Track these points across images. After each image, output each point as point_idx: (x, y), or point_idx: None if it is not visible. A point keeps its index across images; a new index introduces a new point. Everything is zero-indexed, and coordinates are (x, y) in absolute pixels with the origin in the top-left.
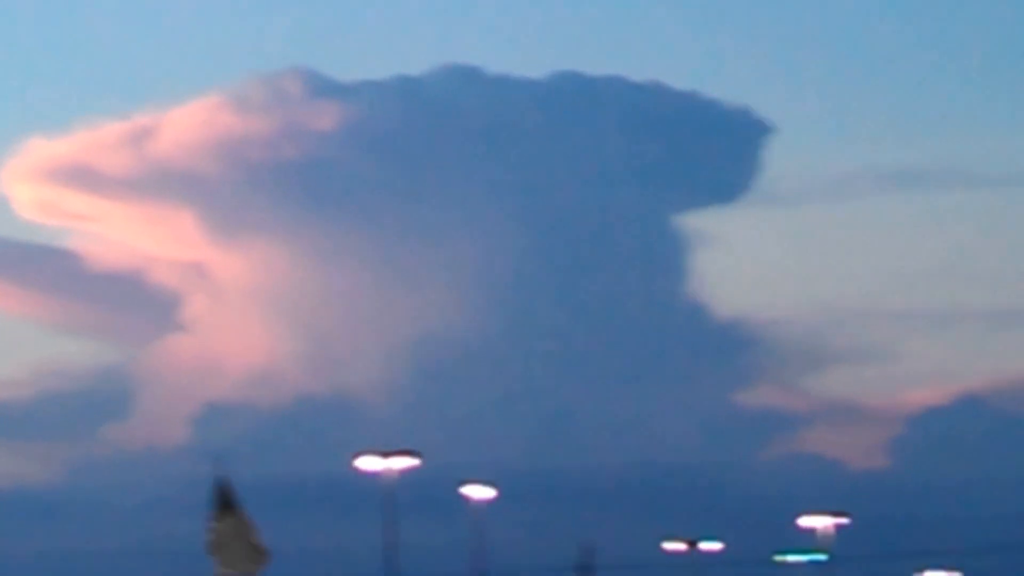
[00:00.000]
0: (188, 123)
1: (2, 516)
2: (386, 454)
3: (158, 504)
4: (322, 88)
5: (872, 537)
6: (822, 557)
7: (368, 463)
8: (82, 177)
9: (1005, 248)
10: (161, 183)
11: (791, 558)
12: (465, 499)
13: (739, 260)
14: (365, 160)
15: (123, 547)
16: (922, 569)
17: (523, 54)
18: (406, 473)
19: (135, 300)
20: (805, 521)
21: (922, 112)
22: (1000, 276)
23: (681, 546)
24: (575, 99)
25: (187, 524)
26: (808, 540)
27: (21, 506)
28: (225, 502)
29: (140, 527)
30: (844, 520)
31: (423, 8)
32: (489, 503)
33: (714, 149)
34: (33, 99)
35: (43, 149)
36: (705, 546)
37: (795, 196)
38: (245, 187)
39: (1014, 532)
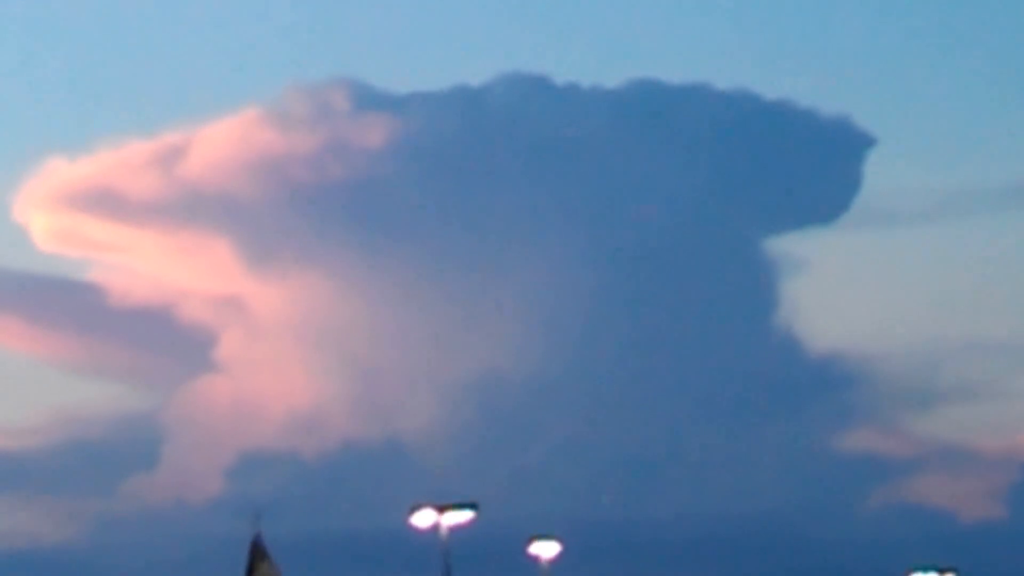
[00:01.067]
0: (222, 141)
1: None
2: (442, 508)
3: (189, 564)
4: (371, 101)
5: None
6: None
7: (423, 517)
8: (105, 202)
9: None
10: (193, 208)
11: None
12: (530, 556)
13: (837, 288)
14: (419, 180)
15: None
16: None
17: (595, 61)
18: (464, 528)
19: (164, 338)
20: None
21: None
22: None
23: None
24: (654, 110)
25: None
26: None
27: (38, 567)
28: (259, 557)
29: None
30: None
31: (483, 11)
32: (555, 560)
33: (809, 164)
34: (51, 117)
35: (62, 172)
36: None
37: (900, 216)
38: (286, 211)
39: None
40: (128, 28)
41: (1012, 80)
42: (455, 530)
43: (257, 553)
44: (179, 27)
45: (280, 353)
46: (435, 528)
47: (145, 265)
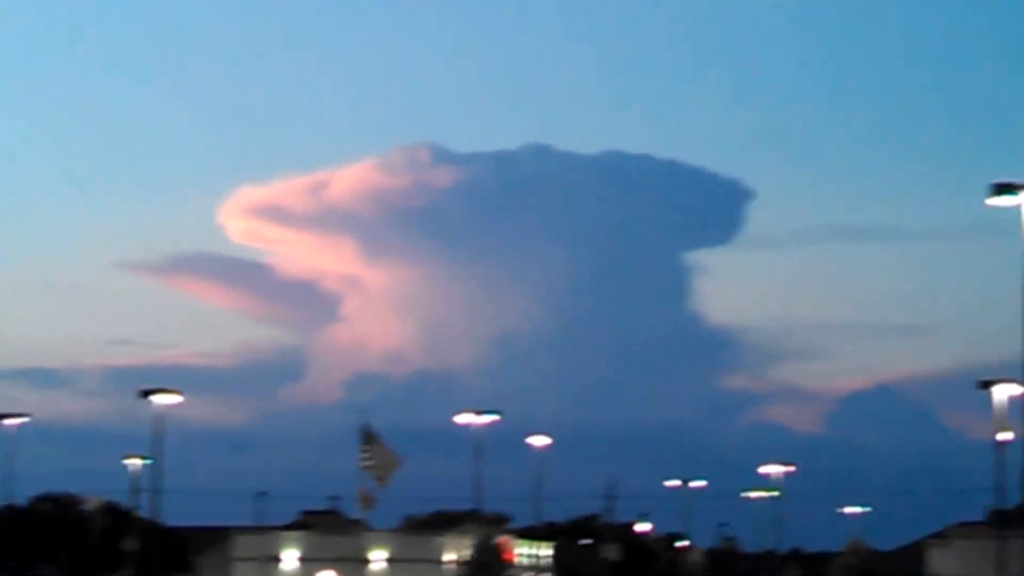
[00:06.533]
0: (351, 179)
1: (212, 450)
2: (478, 412)
3: (320, 442)
4: (443, 157)
5: (812, 481)
6: (775, 494)
7: (464, 418)
8: (276, 214)
9: (918, 280)
10: (331, 220)
11: (753, 494)
12: (529, 446)
13: (727, 285)
14: (472, 212)
15: (295, 471)
16: (843, 505)
17: (580, 133)
18: (490, 426)
19: (309, 300)
20: (764, 469)
21: (864, 180)
22: (911, 300)
23: (677, 483)
24: (617, 171)
25: (339, 456)
26: (766, 482)
27: (222, 441)
28: (369, 438)
29: (306, 457)
30: (791, 468)
31: (517, 97)
32: (547, 449)
33: (712, 207)
34: (243, 158)
35: (250, 194)
36: (694, 484)
37: (768, 243)
38: (388, 225)
39: (913, 480)
40: (298, 102)
41: (850, 151)
42: (486, 427)
43: (368, 436)
44: (330, 103)
45: (381, 313)
46: (472, 425)
47: (298, 254)
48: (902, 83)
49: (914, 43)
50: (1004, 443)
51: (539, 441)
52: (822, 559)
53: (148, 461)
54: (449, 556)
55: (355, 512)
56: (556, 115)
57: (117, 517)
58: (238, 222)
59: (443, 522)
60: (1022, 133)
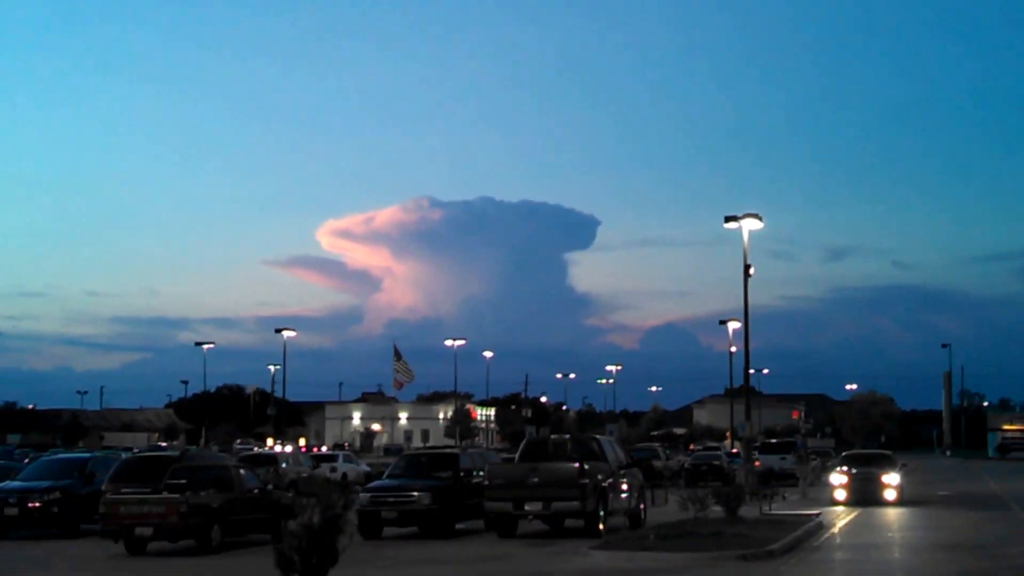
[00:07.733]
0: (387, 216)
1: (313, 360)
2: (454, 338)
3: (370, 355)
4: (436, 204)
5: (632, 374)
6: (612, 381)
7: (448, 342)
8: (347, 235)
9: (687, 268)
10: (376, 238)
11: (601, 381)
12: (483, 356)
13: (589, 271)
14: (451, 232)
15: (357, 371)
16: (648, 386)
17: (516, 187)
18: (461, 346)
19: (363, 281)
20: (608, 367)
21: (657, 212)
22: (684, 278)
23: (560, 375)
24: (528, 211)
25: (381, 364)
26: (608, 374)
27: (319, 357)
28: (397, 354)
29: (364, 364)
30: (621, 367)
31: (474, 170)
32: (492, 358)
33: (578, 229)
34: (329, 204)
35: (333, 224)
36: (571, 376)
37: (608, 248)
38: (407, 241)
39: (686, 372)
40: (360, 175)
41: (643, 196)
42: (459, 346)
43: (397, 353)
44: (376, 174)
45: (404, 288)
46: (451, 345)
47: (359, 256)
48: (675, 147)
49: (680, 114)
50: (732, 353)
51: (488, 353)
52: (638, 415)
53: (279, 366)
54: (441, 416)
55: (391, 392)
56: (496, 179)
57: (263, 396)
58: (327, 238)
59: (438, 398)
60: (748, 174)
